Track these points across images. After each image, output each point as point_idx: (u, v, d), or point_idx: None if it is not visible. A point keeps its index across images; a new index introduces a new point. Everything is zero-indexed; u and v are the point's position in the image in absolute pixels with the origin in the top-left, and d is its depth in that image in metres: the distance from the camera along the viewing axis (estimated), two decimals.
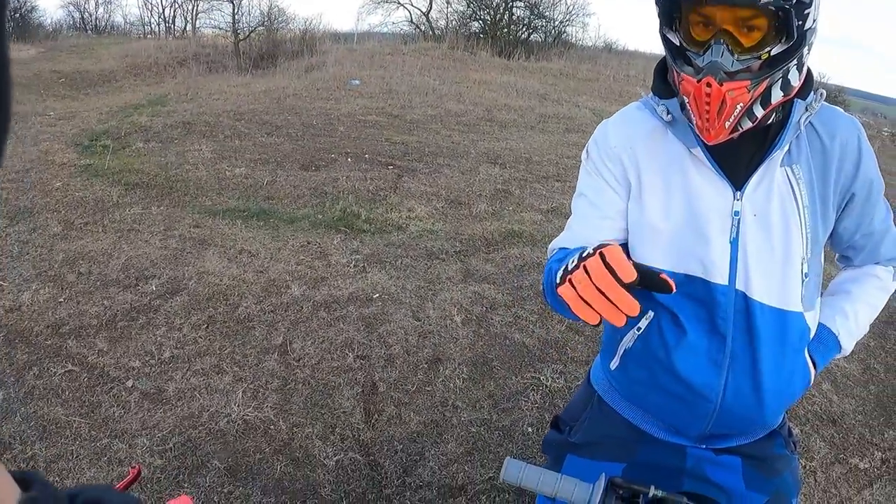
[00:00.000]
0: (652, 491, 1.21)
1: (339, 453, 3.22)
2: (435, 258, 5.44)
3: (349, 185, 6.90)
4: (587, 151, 1.66)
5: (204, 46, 21.45)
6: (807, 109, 1.45)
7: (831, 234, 1.61)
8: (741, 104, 1.38)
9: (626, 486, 1.22)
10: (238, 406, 3.46)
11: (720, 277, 1.51)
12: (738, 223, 1.50)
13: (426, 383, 3.82)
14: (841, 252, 1.74)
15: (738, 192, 1.50)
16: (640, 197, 1.56)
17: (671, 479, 1.70)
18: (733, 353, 1.55)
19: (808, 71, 1.45)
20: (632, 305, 1.05)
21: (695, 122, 1.45)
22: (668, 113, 1.54)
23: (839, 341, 1.62)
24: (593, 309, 1.08)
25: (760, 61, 1.35)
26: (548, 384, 3.92)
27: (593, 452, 1.77)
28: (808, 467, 3.67)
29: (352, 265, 5.18)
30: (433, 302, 4.72)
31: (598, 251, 1.09)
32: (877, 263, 1.69)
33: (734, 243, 1.50)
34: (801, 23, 1.32)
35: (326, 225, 5.92)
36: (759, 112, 1.42)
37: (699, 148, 1.50)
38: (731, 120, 1.40)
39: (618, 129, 1.62)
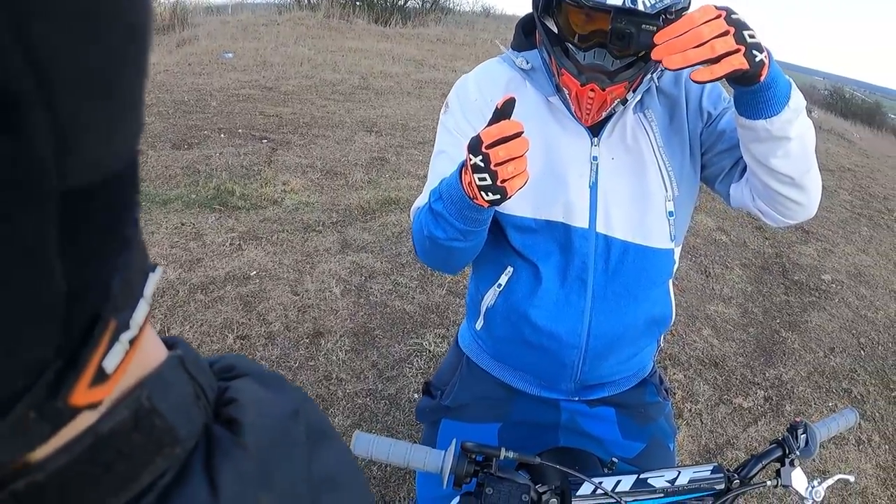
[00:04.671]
0: (503, 453, 1.21)
1: None
2: (311, 230, 5.37)
3: (223, 162, 6.70)
4: (447, 106, 1.65)
5: None
6: (657, 66, 1.48)
7: (731, 149, 1.55)
8: (619, 98, 1.44)
9: (478, 450, 1.22)
10: None
11: (581, 220, 1.54)
12: (597, 167, 1.53)
13: (309, 358, 3.78)
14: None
15: (595, 139, 1.53)
16: None
17: (548, 435, 1.73)
18: (595, 296, 1.58)
19: None
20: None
21: (572, 109, 1.49)
22: (528, 63, 1.56)
23: (791, 88, 1.35)
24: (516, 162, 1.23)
25: (639, 58, 1.38)
26: (431, 349, 3.95)
27: (468, 415, 1.78)
28: (693, 410, 3.80)
29: (227, 244, 5.05)
30: (311, 275, 4.67)
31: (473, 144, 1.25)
32: None
33: (593, 187, 1.53)
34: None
35: (200, 204, 5.74)
36: (631, 96, 1.48)
37: (557, 96, 1.52)
38: (607, 111, 1.47)
39: (478, 82, 1.62)
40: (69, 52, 0.23)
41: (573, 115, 1.52)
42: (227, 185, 6.09)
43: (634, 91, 1.47)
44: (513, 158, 1.21)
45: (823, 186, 1.55)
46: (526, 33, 1.62)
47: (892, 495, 3.50)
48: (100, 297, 0.28)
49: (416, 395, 3.55)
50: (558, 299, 1.59)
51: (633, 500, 1.22)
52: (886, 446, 3.88)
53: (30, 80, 0.21)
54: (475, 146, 1.22)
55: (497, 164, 1.20)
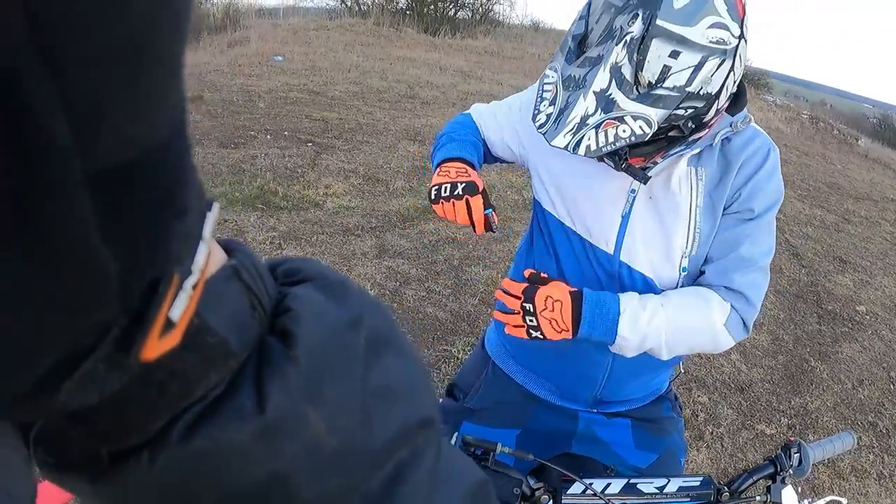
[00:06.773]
0: (499, 448, 1.28)
1: None
2: (350, 234, 5.44)
3: (267, 163, 6.81)
4: (529, 91, 1.76)
5: None
6: (731, 126, 1.46)
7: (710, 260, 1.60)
8: (652, 161, 1.44)
9: (477, 444, 1.30)
10: None
11: (606, 245, 1.57)
12: (633, 200, 1.54)
13: None
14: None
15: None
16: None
17: (562, 442, 1.76)
18: None
19: (742, 87, 1.43)
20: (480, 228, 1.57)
21: None
22: None
23: (619, 320, 1.48)
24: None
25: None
26: (459, 356, 3.99)
27: (488, 419, 1.81)
28: (715, 433, 3.80)
29: (268, 242, 5.14)
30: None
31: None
32: (723, 287, 1.56)
33: (625, 218, 1.55)
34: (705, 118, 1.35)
35: (243, 202, 5.84)
36: (683, 150, 1.43)
37: None
38: (647, 164, 1.48)
39: None
40: (83, 19, 0.20)
41: None
42: (271, 185, 6.19)
43: (670, 154, 1.44)
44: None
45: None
46: None
47: None
48: (159, 261, 0.27)
49: (442, 401, 3.60)
50: None
51: (621, 503, 1.28)
52: None
53: (30, 53, 0.19)
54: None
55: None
